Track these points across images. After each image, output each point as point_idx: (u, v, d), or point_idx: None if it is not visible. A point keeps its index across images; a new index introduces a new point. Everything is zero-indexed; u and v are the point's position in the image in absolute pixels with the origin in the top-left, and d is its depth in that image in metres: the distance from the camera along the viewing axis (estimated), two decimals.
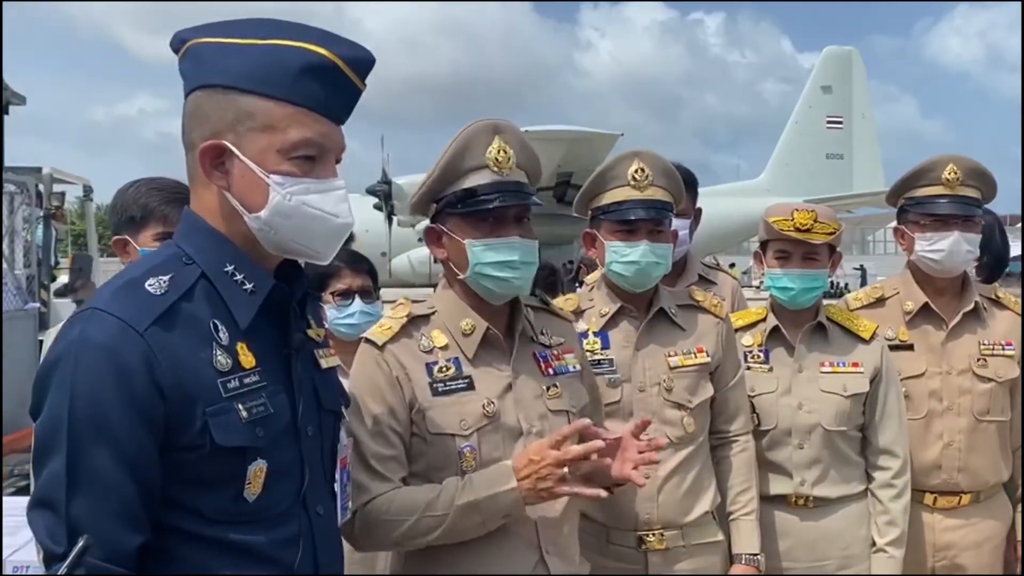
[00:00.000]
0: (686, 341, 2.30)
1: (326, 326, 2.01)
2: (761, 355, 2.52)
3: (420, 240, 18.72)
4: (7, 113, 6.47)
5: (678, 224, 2.52)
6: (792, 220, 2.41)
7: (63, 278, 9.54)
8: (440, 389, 1.81)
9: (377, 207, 19.84)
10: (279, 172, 1.32)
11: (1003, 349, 2.66)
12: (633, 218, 2.22)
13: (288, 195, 1.32)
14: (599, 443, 1.69)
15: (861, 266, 31.96)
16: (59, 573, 1.13)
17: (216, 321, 1.30)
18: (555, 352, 1.94)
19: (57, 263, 9.32)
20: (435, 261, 1.95)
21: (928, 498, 2.61)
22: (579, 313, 2.33)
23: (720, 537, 2.29)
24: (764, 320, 2.57)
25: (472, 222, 1.81)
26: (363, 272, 2.55)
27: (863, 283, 23.62)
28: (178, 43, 1.38)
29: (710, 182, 27.28)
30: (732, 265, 19.57)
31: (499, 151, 1.80)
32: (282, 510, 1.35)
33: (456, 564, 1.78)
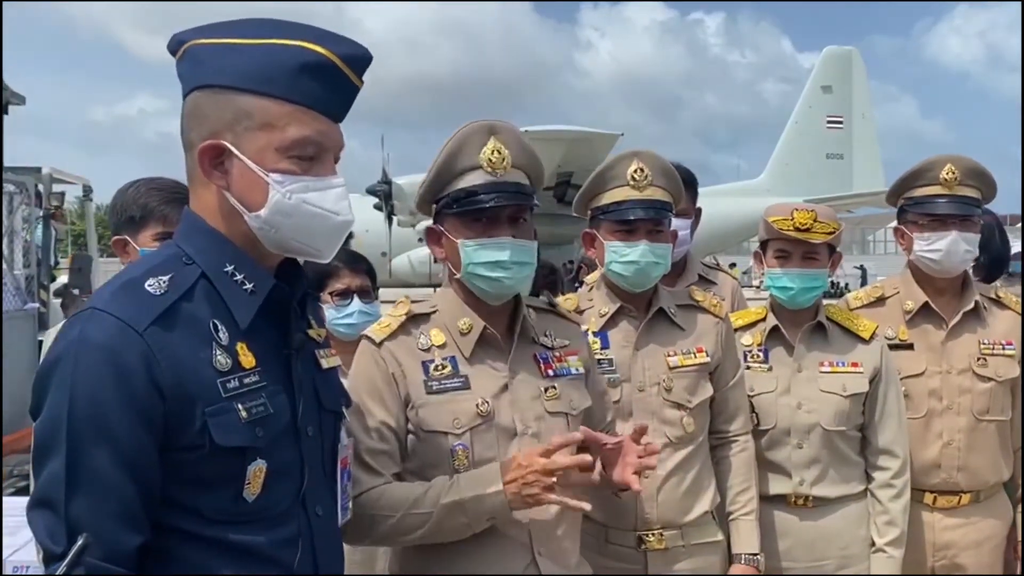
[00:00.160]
0: (685, 341, 2.30)
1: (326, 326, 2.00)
2: (760, 355, 2.53)
3: (420, 240, 18.76)
4: (7, 113, 6.47)
5: (678, 224, 2.52)
6: (792, 220, 2.41)
7: (63, 278, 9.53)
8: (435, 387, 1.82)
9: (377, 207, 19.86)
10: (278, 170, 1.32)
11: (1003, 348, 2.66)
12: (632, 218, 2.23)
13: (288, 193, 1.32)
14: (587, 457, 1.69)
15: (861, 266, 32.00)
16: (58, 573, 1.13)
17: (216, 321, 1.30)
18: (557, 354, 1.94)
19: (57, 263, 9.31)
20: (435, 261, 1.95)
21: (928, 497, 2.61)
22: (579, 313, 2.33)
23: (719, 537, 2.30)
24: (764, 320, 2.57)
25: (466, 222, 1.82)
26: (362, 272, 2.55)
27: (863, 283, 23.63)
28: (175, 45, 1.38)
29: (710, 182, 27.31)
30: (732, 265, 19.58)
31: (493, 152, 1.81)
32: (282, 510, 1.35)
33: (451, 564, 1.79)
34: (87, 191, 9.55)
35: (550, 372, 1.91)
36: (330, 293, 2.48)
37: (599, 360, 2.23)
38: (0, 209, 6.99)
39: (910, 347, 2.67)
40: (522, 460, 1.69)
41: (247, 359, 1.31)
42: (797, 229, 2.40)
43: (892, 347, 2.61)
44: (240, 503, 1.29)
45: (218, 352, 1.28)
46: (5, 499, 2.33)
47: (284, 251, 1.40)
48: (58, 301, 8.09)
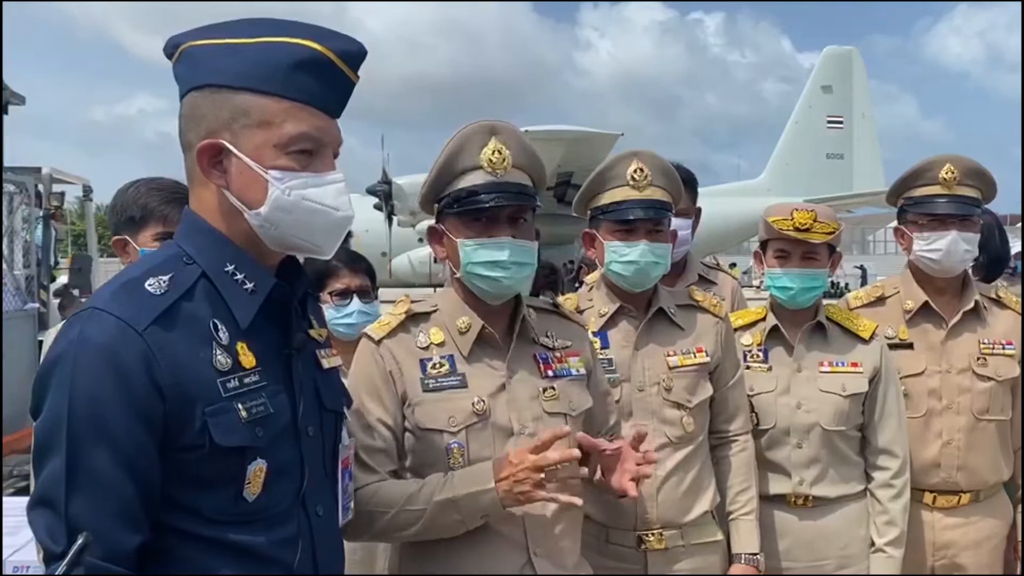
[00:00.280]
0: (685, 341, 2.30)
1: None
2: (760, 354, 2.53)
3: (420, 240, 18.76)
4: (7, 113, 6.48)
5: (678, 224, 2.52)
6: (791, 220, 2.41)
7: (63, 278, 9.54)
8: (431, 385, 1.82)
9: (377, 207, 19.85)
10: (277, 167, 1.32)
11: (1003, 348, 2.66)
12: (632, 218, 2.23)
13: (287, 190, 1.32)
14: (575, 452, 1.69)
15: (861, 266, 31.99)
16: (58, 572, 1.13)
17: (216, 321, 1.30)
18: (557, 355, 1.94)
19: (57, 263, 9.31)
20: (436, 260, 1.96)
21: (927, 497, 2.61)
22: (578, 313, 2.33)
23: (719, 537, 2.30)
24: (763, 319, 2.57)
25: (466, 222, 1.82)
26: (361, 272, 2.55)
27: (863, 283, 23.63)
28: (171, 48, 1.38)
29: (710, 182, 27.33)
30: (732, 265, 19.58)
31: (494, 152, 1.81)
32: (282, 510, 1.35)
33: (448, 563, 1.79)
34: (87, 191, 9.55)
35: (549, 372, 1.91)
36: (330, 293, 2.48)
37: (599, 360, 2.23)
38: (0, 209, 6.99)
39: (910, 346, 2.67)
40: (513, 458, 1.69)
41: (247, 359, 1.31)
42: (797, 229, 2.41)
43: (892, 346, 2.61)
44: (240, 503, 1.29)
45: (218, 352, 1.28)
46: (5, 499, 2.34)
47: (285, 248, 1.40)
48: (57, 301, 8.09)
